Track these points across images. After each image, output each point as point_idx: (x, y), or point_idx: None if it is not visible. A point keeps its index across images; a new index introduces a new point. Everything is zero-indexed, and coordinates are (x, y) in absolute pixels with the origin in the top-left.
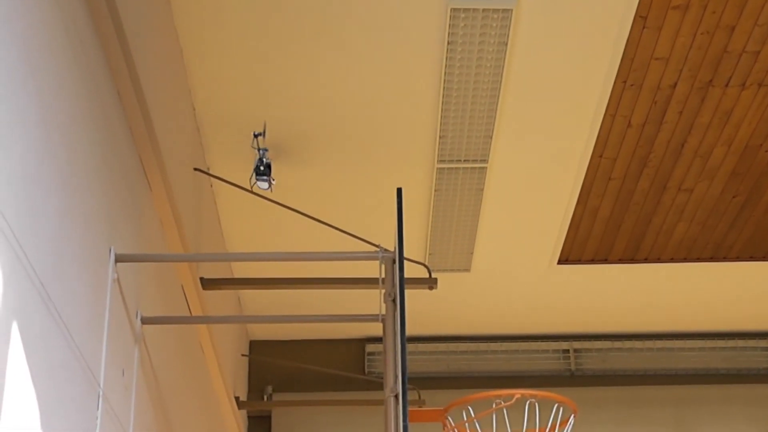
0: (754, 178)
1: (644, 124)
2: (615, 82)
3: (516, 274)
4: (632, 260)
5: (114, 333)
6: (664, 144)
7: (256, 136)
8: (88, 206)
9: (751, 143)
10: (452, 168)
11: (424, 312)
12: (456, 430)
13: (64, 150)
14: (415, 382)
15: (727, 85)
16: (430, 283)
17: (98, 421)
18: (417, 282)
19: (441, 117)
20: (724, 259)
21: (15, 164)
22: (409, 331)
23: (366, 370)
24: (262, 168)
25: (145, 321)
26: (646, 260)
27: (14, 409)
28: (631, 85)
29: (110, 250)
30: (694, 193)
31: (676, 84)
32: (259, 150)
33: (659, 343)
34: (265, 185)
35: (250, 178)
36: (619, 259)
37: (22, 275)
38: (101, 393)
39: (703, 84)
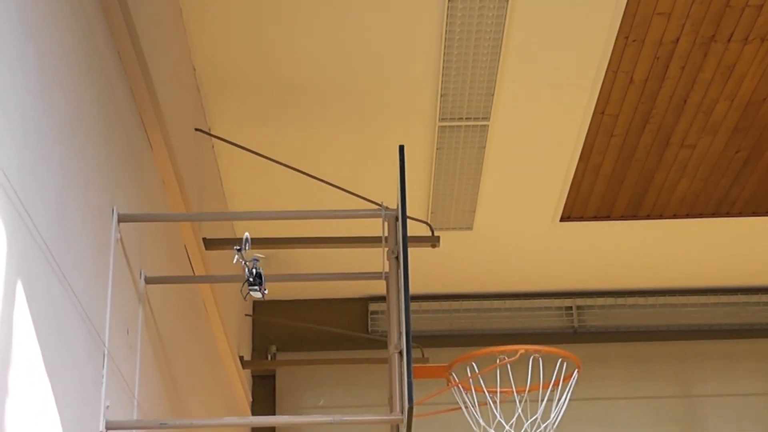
0: (756, 133)
1: (646, 80)
2: (617, 38)
3: (518, 231)
4: (635, 217)
5: (118, 293)
6: (667, 100)
7: (238, 249)
8: (90, 166)
9: (754, 98)
10: (454, 126)
11: (427, 271)
12: (460, 386)
13: (65, 110)
14: (418, 340)
15: (729, 40)
16: (433, 241)
17: (104, 380)
18: (419, 240)
19: (442, 75)
20: (727, 214)
21: (16, 123)
22: (412, 289)
23: (369, 329)
24: (252, 279)
25: (148, 281)
26: (648, 217)
27: (20, 369)
28: (633, 41)
29: (113, 210)
30: (696, 149)
31: (678, 39)
32: (244, 263)
33: (662, 299)
34: (258, 294)
35: (242, 289)
36: (622, 216)
37: (25, 235)
38: (106, 352)
39: (705, 39)
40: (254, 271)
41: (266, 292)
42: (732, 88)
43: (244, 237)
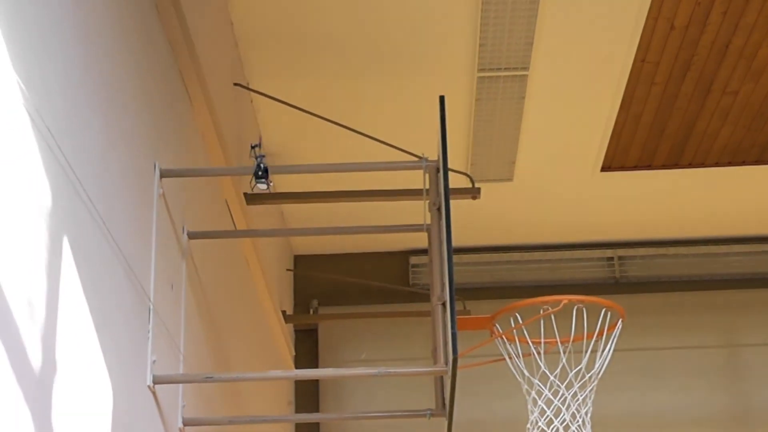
0: None
1: (687, 26)
2: None
3: (559, 182)
4: (676, 165)
5: (161, 248)
6: (708, 46)
7: (253, 147)
8: (132, 122)
9: None
10: (493, 76)
11: (467, 223)
12: (504, 337)
13: (105, 66)
14: (459, 292)
15: None
16: (473, 192)
17: (150, 335)
18: (460, 192)
19: (481, 25)
20: None
21: (57, 78)
22: (453, 241)
23: (410, 283)
24: (260, 173)
25: (191, 236)
26: (690, 165)
27: (68, 324)
28: None
29: (155, 165)
30: (739, 96)
31: None
32: (256, 158)
33: (704, 249)
34: (264, 186)
35: (250, 181)
36: (663, 165)
37: (69, 190)
38: (152, 307)
39: None
40: (262, 165)
41: (272, 184)
42: None
43: (259, 137)
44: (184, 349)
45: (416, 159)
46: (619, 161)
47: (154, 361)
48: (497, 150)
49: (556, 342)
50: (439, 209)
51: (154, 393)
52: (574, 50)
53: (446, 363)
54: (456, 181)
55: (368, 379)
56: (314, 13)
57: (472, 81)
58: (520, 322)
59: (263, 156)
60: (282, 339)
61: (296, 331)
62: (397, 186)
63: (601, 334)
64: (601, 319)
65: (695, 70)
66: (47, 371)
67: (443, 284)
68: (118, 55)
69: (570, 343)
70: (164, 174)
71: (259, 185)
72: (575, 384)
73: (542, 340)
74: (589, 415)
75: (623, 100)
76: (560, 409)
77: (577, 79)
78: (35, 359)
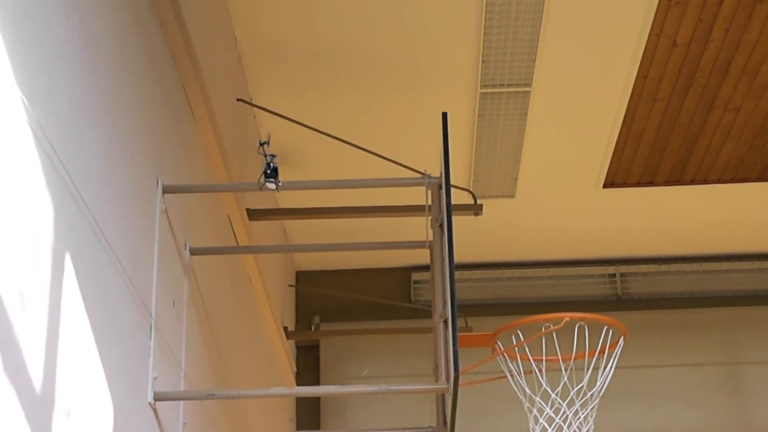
0: None
1: (690, 42)
2: (660, 1)
3: (561, 198)
4: (678, 182)
5: (164, 264)
6: (711, 62)
7: (261, 144)
8: (135, 137)
9: None
10: (496, 93)
11: (469, 239)
12: (505, 354)
13: (109, 82)
14: (461, 309)
15: None
16: (476, 209)
17: (151, 351)
18: (462, 208)
19: (483, 41)
20: None
21: (60, 95)
22: (455, 258)
23: (412, 299)
24: (269, 171)
25: (193, 252)
26: (692, 182)
27: (70, 340)
28: (677, 3)
29: (157, 181)
30: (741, 112)
31: (722, 0)
32: (266, 156)
33: (706, 266)
34: (273, 186)
35: (259, 179)
36: (665, 182)
37: (72, 206)
38: (153, 323)
39: (750, 0)
40: (271, 165)
41: (280, 184)
42: None
43: (268, 135)
44: (186, 365)
45: (419, 175)
46: (622, 178)
47: (155, 378)
48: (499, 166)
49: (558, 359)
50: (441, 226)
51: (154, 410)
52: (577, 67)
53: (448, 380)
54: (458, 197)
55: (370, 396)
56: (317, 28)
57: (474, 97)
58: (522, 339)
59: (274, 156)
60: (283, 355)
61: (298, 347)
62: (400, 202)
63: (602, 351)
64: (602, 337)
65: (697, 86)
66: (48, 387)
67: (445, 301)
68: (122, 70)
69: (572, 360)
70: (167, 190)
71: (268, 184)
72: (577, 402)
73: (544, 358)
74: None
75: (625, 117)
76: (562, 427)
77: (580, 95)
78: (36, 374)
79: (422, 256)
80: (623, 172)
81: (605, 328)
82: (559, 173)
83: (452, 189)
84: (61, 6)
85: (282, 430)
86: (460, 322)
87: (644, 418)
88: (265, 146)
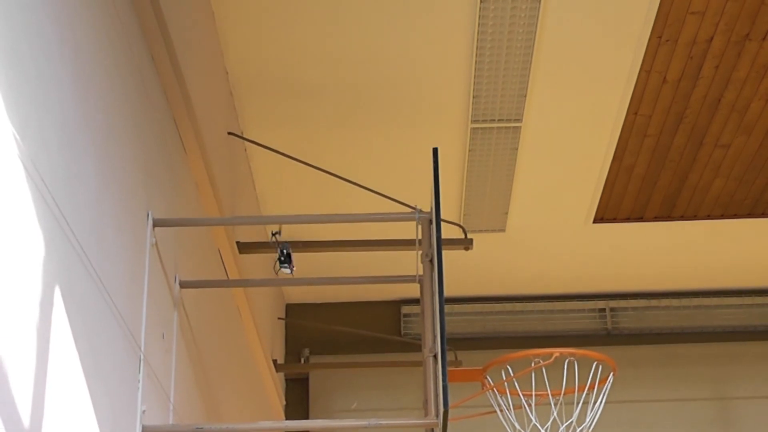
0: None
1: (680, 79)
2: (650, 38)
3: (551, 233)
4: (668, 218)
5: (153, 297)
6: (701, 99)
7: (273, 234)
8: (125, 170)
9: None
10: (486, 128)
11: (460, 273)
12: (495, 389)
13: (100, 114)
14: (451, 342)
15: (764, 39)
16: (466, 243)
17: (140, 384)
18: (452, 243)
19: (474, 76)
20: (762, 215)
21: (52, 129)
22: (445, 292)
23: (402, 332)
24: (282, 258)
25: (183, 285)
26: (682, 218)
27: (58, 373)
28: (667, 41)
29: (148, 215)
30: (731, 149)
31: (712, 38)
32: (278, 244)
33: (696, 301)
34: (288, 270)
35: (274, 266)
36: (655, 217)
37: (62, 239)
38: (142, 357)
39: (739, 38)
40: (284, 251)
41: (294, 269)
42: (767, 87)
43: (279, 226)
44: (174, 398)
45: (410, 210)
46: (612, 213)
47: (143, 411)
48: (490, 201)
49: (548, 394)
50: (431, 261)
51: None
52: (567, 102)
53: (437, 415)
54: (449, 231)
55: (359, 430)
56: (309, 63)
57: (465, 132)
58: (511, 374)
59: (287, 243)
60: (273, 388)
61: (288, 380)
62: (390, 236)
63: (592, 387)
64: (592, 373)
65: (687, 123)
66: (36, 420)
67: (435, 336)
68: (114, 104)
69: (561, 395)
70: (157, 223)
71: (283, 269)
72: None
73: (533, 393)
74: None
75: (616, 152)
76: None
77: (570, 130)
78: (24, 407)
79: (412, 290)
80: (613, 208)
81: (595, 363)
82: (550, 208)
83: (443, 223)
84: (53, 40)
85: None
86: (449, 356)
87: None
88: (278, 236)
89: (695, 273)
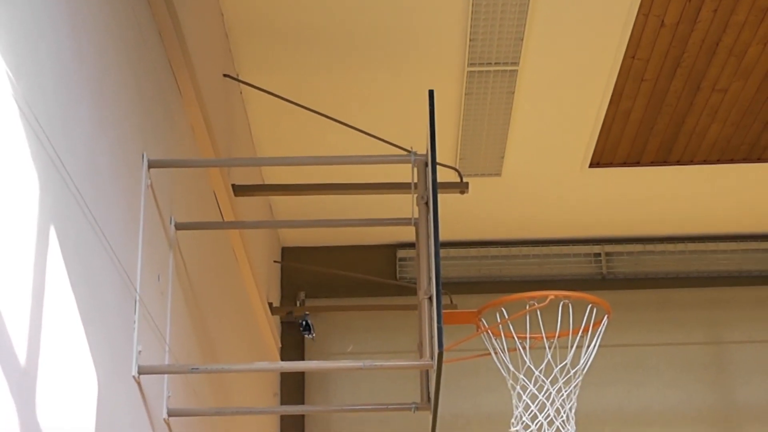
0: None
1: (678, 23)
2: None
3: (547, 178)
4: (665, 162)
5: (149, 238)
6: (698, 43)
7: (289, 313)
8: (120, 112)
9: None
10: (483, 71)
11: (455, 217)
12: (489, 332)
13: (94, 57)
14: (446, 287)
15: None
16: (462, 187)
17: (135, 326)
18: (448, 186)
19: (471, 19)
20: (758, 159)
21: (47, 72)
22: (441, 236)
23: (397, 276)
24: (302, 328)
25: (178, 226)
26: (678, 162)
27: (54, 315)
28: None
29: (143, 156)
30: (728, 93)
31: None
32: (299, 318)
33: (691, 246)
34: (310, 336)
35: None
36: (652, 162)
37: (57, 181)
38: (138, 298)
39: None
40: (304, 323)
41: (314, 335)
42: (765, 31)
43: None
44: (170, 339)
45: (405, 153)
46: (608, 158)
47: (139, 352)
48: (486, 145)
49: (542, 337)
50: (427, 203)
51: (139, 383)
52: (564, 46)
53: (432, 357)
54: (444, 175)
55: (354, 372)
56: (305, 5)
57: (461, 75)
58: (506, 317)
59: (308, 314)
60: (268, 330)
61: (283, 323)
62: (386, 179)
63: (586, 329)
64: (587, 315)
65: (685, 67)
66: (32, 361)
67: (430, 279)
68: (109, 45)
69: (556, 338)
70: (152, 165)
71: (306, 335)
72: (560, 379)
73: (528, 335)
74: (573, 410)
75: (612, 97)
76: (545, 405)
77: (567, 74)
78: (20, 349)
79: (408, 234)
80: (610, 152)
81: (589, 306)
82: (546, 152)
83: (438, 167)
84: None
85: (267, 404)
86: (444, 300)
87: (627, 397)
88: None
89: (690, 218)
